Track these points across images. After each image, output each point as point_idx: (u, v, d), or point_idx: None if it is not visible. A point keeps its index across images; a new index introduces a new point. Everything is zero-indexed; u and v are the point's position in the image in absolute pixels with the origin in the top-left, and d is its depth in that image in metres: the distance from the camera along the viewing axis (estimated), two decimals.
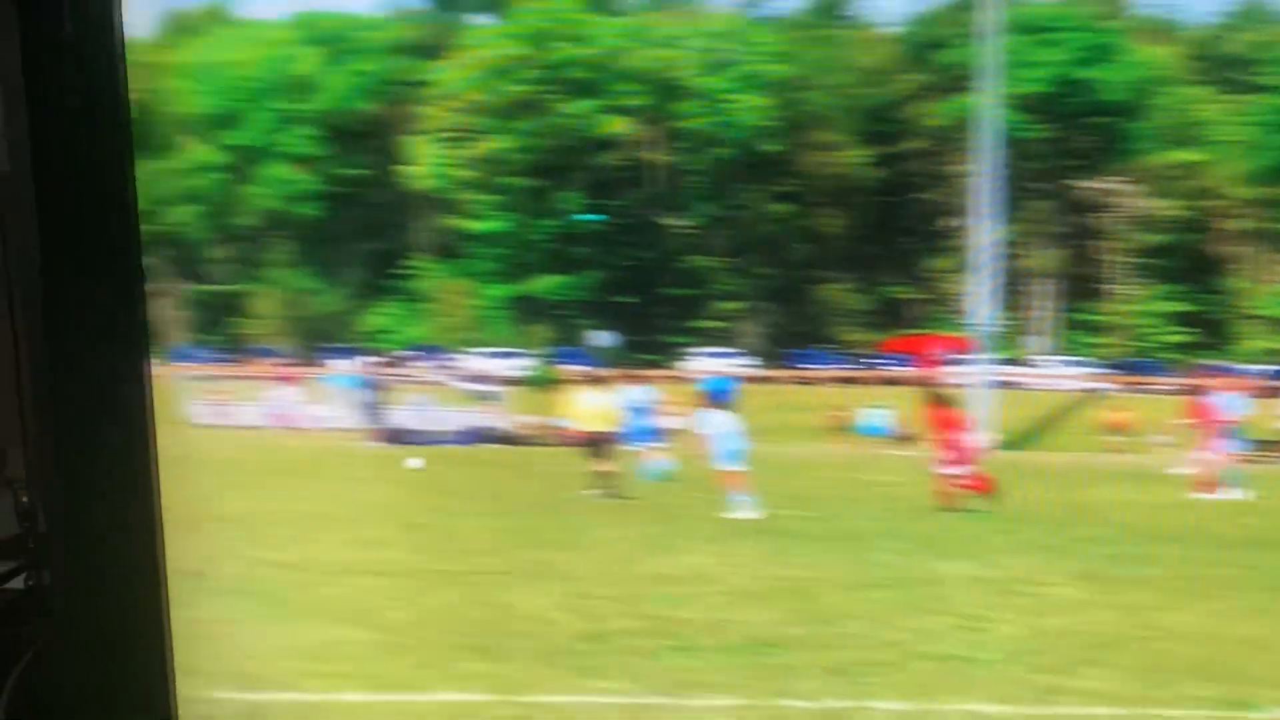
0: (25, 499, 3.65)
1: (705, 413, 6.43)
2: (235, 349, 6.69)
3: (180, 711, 3.35)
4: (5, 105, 3.04)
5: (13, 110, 3.04)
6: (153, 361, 3.35)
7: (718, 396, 6.52)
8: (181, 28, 6.37)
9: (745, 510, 6.05)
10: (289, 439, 6.56)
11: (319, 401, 6.63)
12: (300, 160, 6.79)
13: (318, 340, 6.78)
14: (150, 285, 3.05)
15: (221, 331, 6.66)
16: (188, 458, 5.50)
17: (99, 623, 3.25)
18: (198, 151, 6.66)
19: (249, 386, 6.66)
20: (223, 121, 6.70)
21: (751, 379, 6.85)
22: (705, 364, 6.89)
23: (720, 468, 6.26)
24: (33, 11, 3.07)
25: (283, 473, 6.24)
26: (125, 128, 3.27)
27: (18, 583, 3.59)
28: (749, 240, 6.87)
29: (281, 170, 6.76)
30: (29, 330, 3.11)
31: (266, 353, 6.77)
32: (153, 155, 6.19)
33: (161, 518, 3.29)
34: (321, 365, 6.76)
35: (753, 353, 6.93)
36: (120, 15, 3.21)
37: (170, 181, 6.18)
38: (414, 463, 6.30)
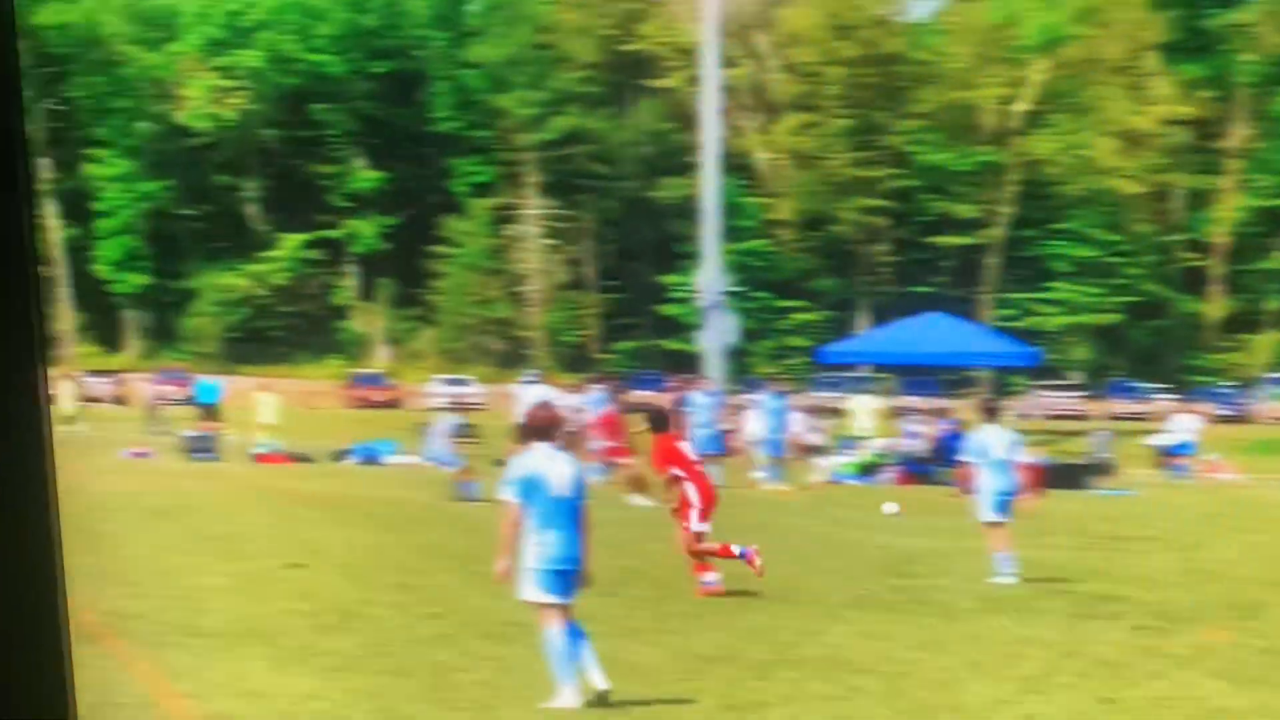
0: None
1: None
2: None
3: (80, 713, 3.28)
4: None
5: None
6: (48, 368, 3.19)
7: None
8: None
9: None
10: None
11: None
12: None
13: None
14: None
15: None
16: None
17: None
18: None
19: None
20: None
21: None
22: None
23: None
24: None
25: None
26: (19, 120, 3.06)
27: None
28: None
29: None
30: None
31: None
32: None
33: (59, 522, 3.18)
34: None
35: None
36: None
37: None
38: (890, 508, 5.19)
